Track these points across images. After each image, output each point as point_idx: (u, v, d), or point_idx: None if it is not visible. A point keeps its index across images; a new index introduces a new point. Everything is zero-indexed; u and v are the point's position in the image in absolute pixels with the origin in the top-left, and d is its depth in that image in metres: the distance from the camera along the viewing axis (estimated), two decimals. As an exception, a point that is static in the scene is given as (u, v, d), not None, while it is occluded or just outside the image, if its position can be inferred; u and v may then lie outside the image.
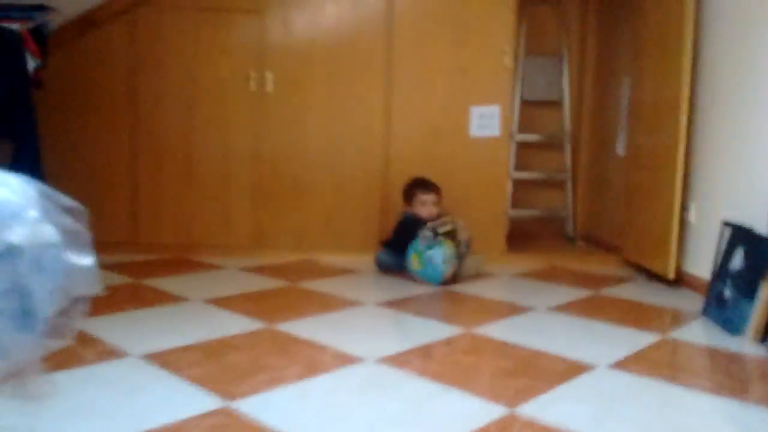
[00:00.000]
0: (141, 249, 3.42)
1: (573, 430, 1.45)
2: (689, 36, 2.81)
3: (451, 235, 3.02)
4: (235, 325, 2.22)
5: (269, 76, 3.42)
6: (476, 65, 3.46)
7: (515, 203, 4.09)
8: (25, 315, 0.89)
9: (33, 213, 0.94)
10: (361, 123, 3.49)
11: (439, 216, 3.15)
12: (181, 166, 3.47)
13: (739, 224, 2.51)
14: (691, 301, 2.71)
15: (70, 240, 0.99)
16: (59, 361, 1.74)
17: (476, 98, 3.48)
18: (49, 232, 0.95)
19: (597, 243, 4.04)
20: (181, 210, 3.48)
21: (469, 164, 3.50)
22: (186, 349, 1.95)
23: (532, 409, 1.56)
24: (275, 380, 1.71)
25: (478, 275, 3.11)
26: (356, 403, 1.58)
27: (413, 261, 2.97)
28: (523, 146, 4.23)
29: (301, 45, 3.44)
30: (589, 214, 4.26)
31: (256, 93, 3.44)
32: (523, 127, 4.21)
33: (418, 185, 3.26)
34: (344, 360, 1.89)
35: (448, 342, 2.09)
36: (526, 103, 4.25)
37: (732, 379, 1.83)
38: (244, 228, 3.50)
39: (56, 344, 0.94)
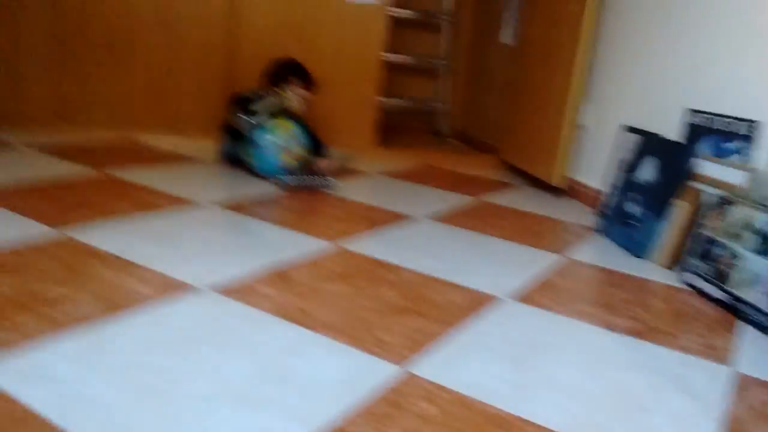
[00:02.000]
0: None
1: (490, 402, 1.02)
2: None
3: (286, 113, 2.43)
4: (15, 231, 1.54)
5: None
6: None
7: (384, 91, 3.56)
8: None
9: None
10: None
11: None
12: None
13: (647, 131, 2.19)
14: (582, 214, 2.41)
15: None
16: None
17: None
18: None
19: (470, 142, 3.66)
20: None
21: (336, 36, 2.88)
22: None
23: (431, 367, 1.12)
24: (52, 322, 1.11)
25: (342, 172, 2.59)
26: (176, 369, 1.04)
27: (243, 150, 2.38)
28: (395, 23, 3.67)
29: None
30: (465, 109, 3.85)
31: None
32: (400, 3, 3.62)
33: (296, 72, 2.54)
34: (165, 290, 1.31)
35: (310, 262, 1.58)
36: (403, -28, 3.65)
37: (656, 316, 1.51)
38: (40, 93, 2.67)
39: None
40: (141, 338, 1.10)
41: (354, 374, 1.07)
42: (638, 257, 1.96)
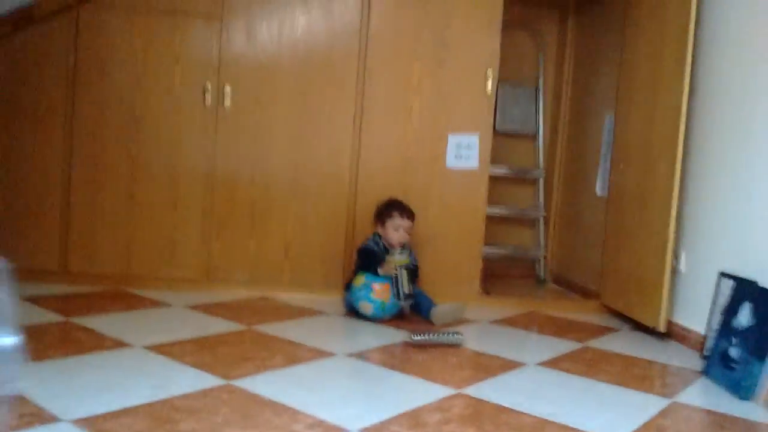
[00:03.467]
0: (72, 279, 3.01)
1: None
2: (686, 72, 2.65)
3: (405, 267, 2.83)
4: (185, 381, 1.87)
5: (228, 89, 3.11)
6: (456, 90, 3.23)
7: (485, 240, 3.87)
8: None
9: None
10: (329, 146, 3.20)
11: (405, 245, 2.92)
12: (123, 185, 3.09)
13: (742, 277, 2.34)
14: (686, 357, 2.52)
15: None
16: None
17: (455, 125, 3.24)
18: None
19: (569, 286, 3.85)
20: (121, 236, 3.09)
21: (444, 198, 3.25)
22: (126, 413, 1.60)
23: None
24: (242, 462, 1.38)
25: (455, 323, 2.83)
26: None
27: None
28: (492, 180, 4.03)
29: (265, 58, 3.14)
30: (561, 255, 4.08)
31: (213, 108, 3.11)
32: (494, 159, 4.01)
33: (396, 207, 2.99)
34: (324, 430, 1.57)
35: (438, 407, 1.81)
36: (497, 134, 4.06)
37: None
38: (192, 259, 3.14)
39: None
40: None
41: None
42: (744, 399, 2.05)
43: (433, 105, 3.23)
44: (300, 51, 3.15)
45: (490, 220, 3.94)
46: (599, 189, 3.56)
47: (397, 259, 2.83)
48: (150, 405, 1.66)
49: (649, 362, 2.44)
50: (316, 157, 3.18)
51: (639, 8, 3.10)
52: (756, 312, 2.17)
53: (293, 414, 1.67)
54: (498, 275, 3.91)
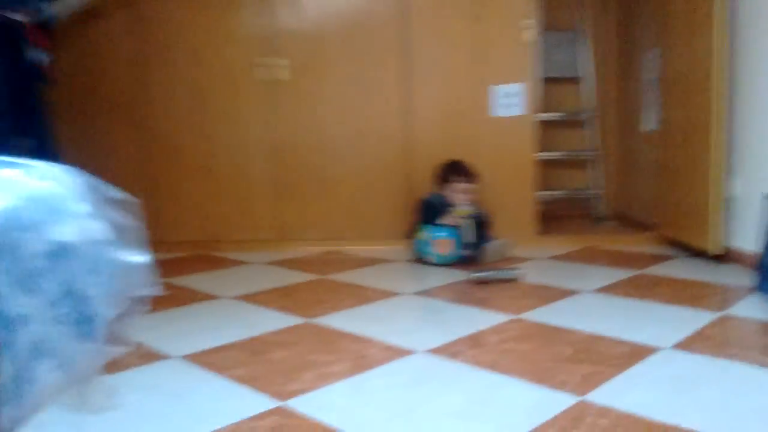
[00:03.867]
0: (165, 247, 3.34)
1: (649, 416, 1.35)
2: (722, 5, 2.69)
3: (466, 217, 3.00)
4: (272, 321, 2.13)
5: (282, 62, 3.32)
6: (496, 42, 3.35)
7: (542, 185, 3.99)
8: (83, 321, 0.80)
9: (84, 207, 0.85)
10: (380, 107, 3.38)
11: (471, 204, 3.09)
12: (198, 160, 3.38)
13: (790, 194, 2.40)
14: (740, 277, 2.61)
15: (124, 236, 0.90)
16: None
17: (498, 76, 3.36)
18: (102, 229, 0.86)
19: (628, 222, 3.93)
20: (202, 206, 3.39)
21: (493, 146, 3.39)
22: (227, 348, 1.87)
23: (602, 396, 1.47)
24: (325, 377, 1.62)
25: (503, 259, 3.00)
26: (415, 398, 1.49)
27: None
28: (544, 125, 4.12)
29: (313, 29, 3.34)
30: (619, 193, 4.15)
31: (270, 81, 3.34)
32: (544, 106, 4.09)
33: (456, 170, 3.12)
34: (393, 353, 1.80)
35: (497, 330, 2.00)
36: (545, 81, 4.13)
37: (805, 355, 1.73)
38: (266, 222, 3.41)
39: (117, 351, 0.85)
40: (384, 383, 1.57)
41: (543, 402, 1.45)
42: (795, 309, 2.15)
43: (476, 59, 3.36)
44: (345, 19, 3.33)
45: (546, 164, 4.06)
46: (649, 124, 3.61)
47: (462, 210, 3.00)
48: (244, 341, 1.92)
49: (703, 283, 2.55)
50: (369, 118, 3.38)
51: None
52: (803, 226, 2.25)
53: (367, 341, 1.90)
54: (558, 217, 4.03)
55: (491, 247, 2.99)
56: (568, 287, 2.50)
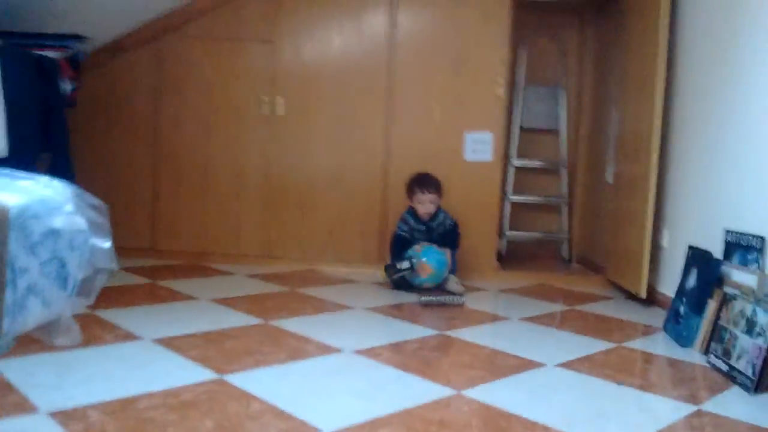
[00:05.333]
0: (160, 255, 3.77)
1: (504, 409, 1.71)
2: (661, 70, 3.07)
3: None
4: (236, 320, 2.53)
5: (280, 100, 3.77)
6: (471, 94, 3.77)
7: (515, 225, 4.37)
8: (62, 278, 1.21)
9: (69, 207, 1.26)
10: (363, 145, 3.81)
11: (434, 214, 3.45)
12: (198, 180, 3.81)
13: (697, 248, 2.75)
14: (658, 318, 2.95)
15: (95, 228, 1.30)
16: (84, 340, 2.06)
17: (470, 124, 3.78)
18: (80, 222, 1.27)
19: (590, 265, 4.27)
20: (197, 221, 3.82)
21: (463, 186, 3.78)
22: (190, 336, 2.26)
23: (476, 392, 1.83)
24: (262, 362, 2.01)
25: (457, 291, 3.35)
26: (328, 382, 1.87)
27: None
28: (522, 171, 4.51)
29: (310, 72, 3.79)
30: (583, 237, 4.51)
31: (268, 116, 3.79)
32: (523, 153, 4.49)
33: (418, 183, 3.49)
34: (325, 350, 2.18)
35: (419, 341, 2.37)
36: (525, 131, 4.54)
37: (663, 379, 2.07)
38: (253, 239, 3.83)
39: (84, 301, 1.26)
40: (308, 371, 1.95)
41: (427, 392, 1.82)
42: (684, 347, 2.48)
43: (452, 108, 3.78)
44: (338, 66, 3.79)
45: (521, 207, 4.45)
46: (608, 177, 3.98)
47: (416, 248, 3.34)
48: (206, 333, 2.32)
49: (621, 321, 2.89)
50: (353, 153, 3.81)
51: (631, 13, 3.52)
52: (700, 275, 2.60)
53: (308, 340, 2.28)
54: (528, 257, 4.39)
55: (450, 280, 3.35)
56: (500, 314, 2.87)
